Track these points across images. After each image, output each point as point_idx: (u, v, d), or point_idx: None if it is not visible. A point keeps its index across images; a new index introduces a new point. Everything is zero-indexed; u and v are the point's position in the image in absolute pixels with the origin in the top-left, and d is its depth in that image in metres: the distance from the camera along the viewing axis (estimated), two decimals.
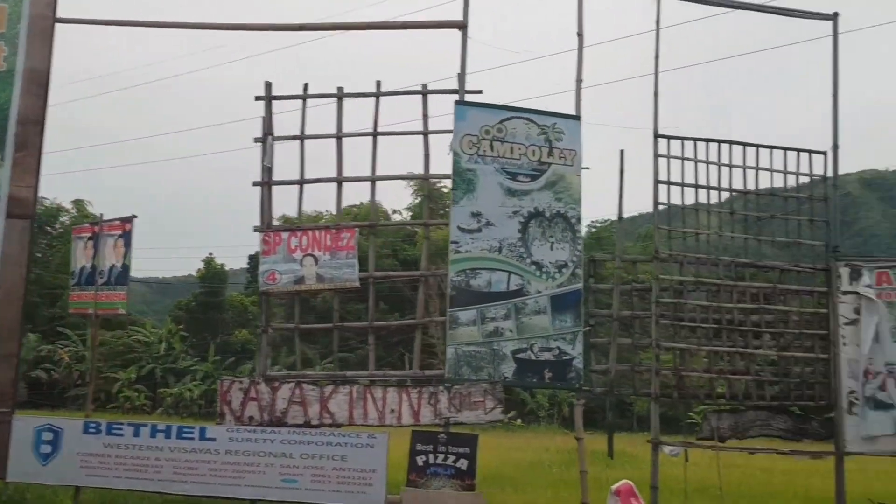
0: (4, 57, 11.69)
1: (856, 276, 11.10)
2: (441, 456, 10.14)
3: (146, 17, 12.35)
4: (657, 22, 11.53)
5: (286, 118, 11.76)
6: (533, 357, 10.50)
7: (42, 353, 42.84)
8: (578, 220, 10.95)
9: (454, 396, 10.36)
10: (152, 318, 61.29)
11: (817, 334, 11.24)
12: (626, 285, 11.50)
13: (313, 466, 10.21)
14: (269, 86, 11.52)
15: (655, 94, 11.36)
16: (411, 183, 43.97)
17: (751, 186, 11.57)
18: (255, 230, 11.26)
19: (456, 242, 10.64)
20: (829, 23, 11.80)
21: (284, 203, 11.65)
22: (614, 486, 7.32)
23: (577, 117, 11.11)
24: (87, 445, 10.93)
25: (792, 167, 11.59)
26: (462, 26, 11.10)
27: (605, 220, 52.59)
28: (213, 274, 53.28)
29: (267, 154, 11.31)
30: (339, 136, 11.39)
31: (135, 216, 12.85)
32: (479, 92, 11.08)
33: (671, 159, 11.28)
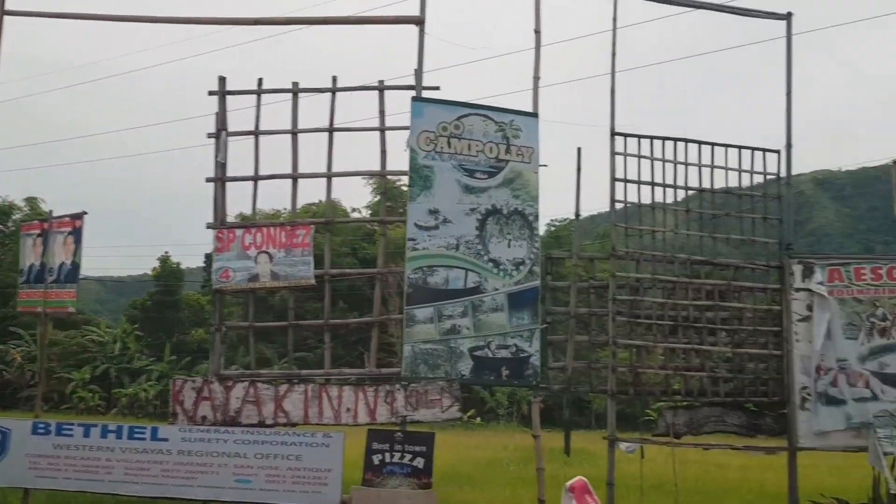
0: None
1: (808, 273, 11.24)
2: (397, 455, 10.06)
3: (101, 11, 12.04)
4: (614, 20, 11.58)
5: (244, 114, 11.62)
6: (490, 355, 10.46)
7: None
8: (536, 217, 10.92)
9: (411, 395, 10.29)
10: (107, 318, 60.40)
11: (771, 331, 11.35)
12: (583, 283, 11.52)
13: (267, 466, 10.10)
14: (222, 80, 11.36)
15: (612, 91, 11.39)
16: (370, 181, 43.77)
17: (707, 185, 11.65)
18: (209, 227, 11.09)
19: (413, 240, 10.56)
20: (784, 22, 11.94)
21: (242, 200, 11.49)
22: (568, 483, 7.31)
23: (534, 114, 11.10)
24: (35, 446, 10.74)
25: (747, 166, 11.70)
26: (419, 22, 11.04)
27: (565, 219, 52.90)
28: (168, 272, 52.62)
29: (220, 150, 11.15)
30: (294, 132, 11.26)
31: (85, 213, 12.54)
32: (437, 88, 11.02)
33: (628, 157, 11.32)
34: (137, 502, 10.87)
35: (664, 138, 11.43)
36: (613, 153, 11.28)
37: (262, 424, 10.42)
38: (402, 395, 10.29)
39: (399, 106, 11.02)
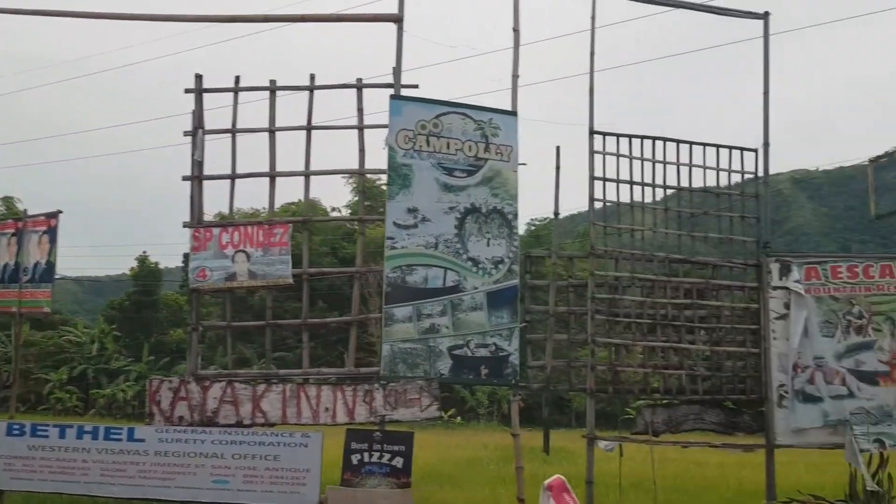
0: None
1: (785, 271, 11.30)
2: (376, 454, 10.01)
3: (72, 7, 11.89)
4: (592, 19, 11.62)
5: (223, 113, 11.53)
6: (469, 353, 10.43)
7: None
8: (515, 216, 10.90)
9: (390, 394, 10.25)
10: (85, 318, 59.96)
11: (749, 329, 11.41)
12: (562, 282, 11.53)
13: (245, 467, 10.04)
14: (199, 78, 11.26)
15: (591, 90, 11.43)
16: (350, 180, 43.64)
17: (685, 183, 11.69)
18: (185, 226, 10.99)
19: (392, 238, 10.51)
20: (761, 22, 12.00)
21: (222, 200, 11.40)
22: (546, 482, 7.29)
23: (513, 113, 11.08)
24: (10, 447, 10.64)
25: (725, 165, 11.76)
26: (398, 20, 10.99)
27: (545, 219, 52.92)
28: (147, 272, 52.22)
29: (197, 148, 11.06)
30: (271, 130, 11.17)
31: (60, 211, 12.43)
32: (416, 87, 10.98)
33: (607, 156, 11.35)
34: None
35: (643, 137, 11.47)
36: (592, 152, 11.31)
37: (239, 425, 10.35)
38: (381, 394, 10.25)
39: (379, 104, 10.99)
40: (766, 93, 11.86)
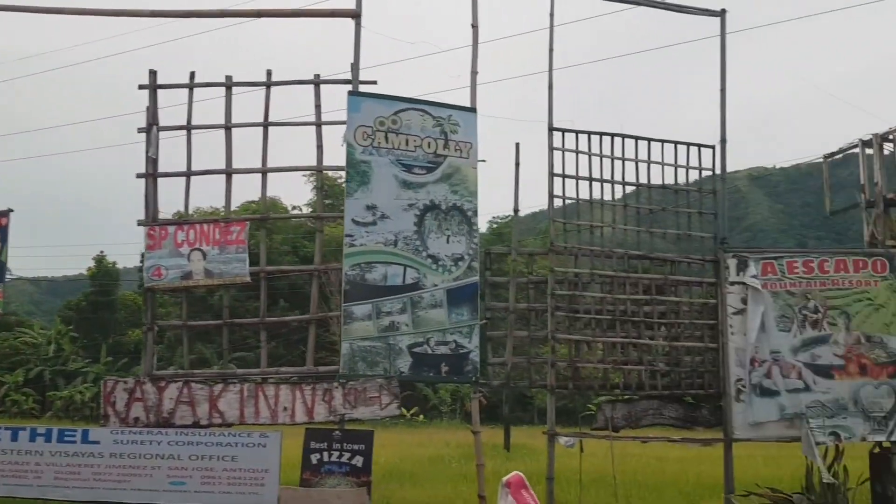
0: None
1: (743, 266, 11.39)
2: (336, 453, 9.94)
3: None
4: (551, 17, 11.61)
5: (179, 110, 11.34)
6: (429, 351, 10.38)
7: None
8: (475, 212, 10.88)
9: (349, 392, 10.17)
10: (41, 319, 59.07)
11: (707, 324, 11.48)
12: (522, 279, 11.52)
13: (203, 468, 9.92)
14: (153, 74, 11.09)
15: (550, 87, 11.43)
16: (310, 178, 43.39)
17: (644, 180, 11.74)
18: (140, 224, 10.81)
19: (351, 236, 10.42)
20: (718, 19, 12.08)
21: (181, 199, 11.24)
22: (505, 478, 7.27)
23: (472, 109, 11.06)
24: None
25: (683, 161, 11.82)
26: (355, 16, 10.91)
27: (507, 216, 53.06)
28: (104, 272, 51.49)
29: (152, 145, 10.88)
30: (227, 127, 11.02)
31: (11, 210, 12.16)
32: (374, 83, 10.89)
33: (567, 153, 11.36)
34: None
35: (601, 133, 11.49)
36: (552, 148, 11.32)
37: (196, 425, 10.21)
38: (341, 393, 10.17)
39: (339, 101, 10.91)
40: (723, 90, 11.95)
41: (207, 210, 36.81)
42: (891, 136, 12.31)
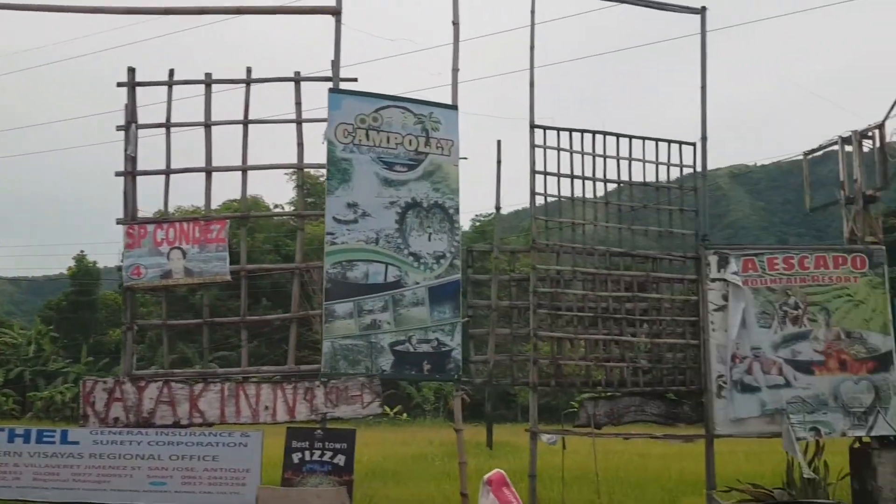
0: None
1: (723, 263, 11.43)
2: (318, 452, 9.89)
3: None
4: (532, 14, 11.64)
5: (161, 108, 11.24)
6: (411, 349, 10.36)
7: None
8: (456, 210, 10.85)
9: (331, 391, 10.13)
10: (21, 319, 58.69)
11: (688, 321, 11.52)
12: (504, 276, 11.51)
13: (183, 468, 9.85)
14: (132, 72, 11.00)
15: (531, 84, 11.43)
16: (293, 177, 43.24)
17: (625, 177, 11.76)
18: (119, 223, 10.72)
19: (332, 234, 10.38)
20: (699, 17, 12.11)
21: (161, 198, 11.14)
22: (486, 476, 7.24)
23: (454, 107, 11.04)
24: None
25: (664, 158, 11.85)
26: (336, 12, 10.86)
27: (489, 214, 53.17)
28: (84, 272, 51.16)
29: (130, 143, 10.79)
30: (207, 125, 10.94)
31: None
32: (355, 80, 10.86)
33: (550, 150, 11.37)
34: None
35: (583, 131, 11.50)
36: (533, 146, 11.33)
37: (176, 425, 10.13)
38: (322, 391, 10.12)
39: (321, 99, 10.83)
40: (703, 87, 11.98)
41: (189, 209, 36.69)
42: (870, 133, 12.36)
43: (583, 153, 11.48)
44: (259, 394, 10.17)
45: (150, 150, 11.08)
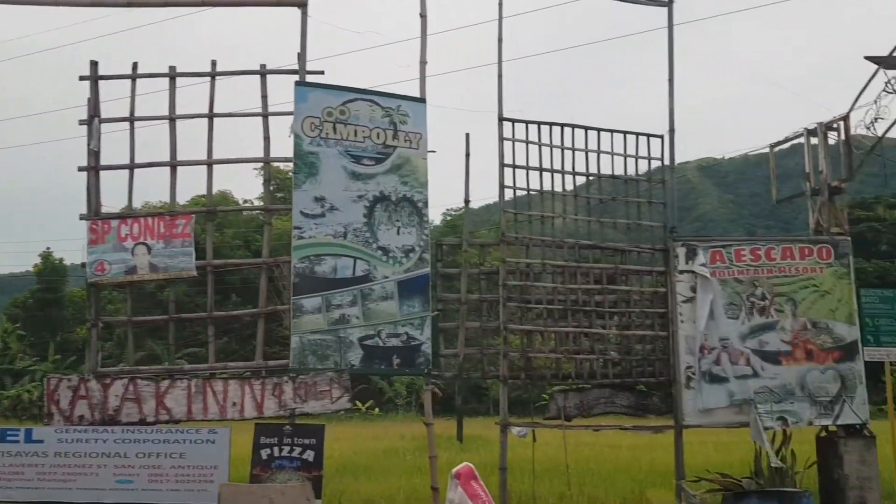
0: None
1: (691, 255, 11.49)
2: (286, 448, 9.80)
3: None
4: (500, 7, 11.64)
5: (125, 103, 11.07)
6: (381, 343, 10.29)
7: None
8: (425, 203, 10.79)
9: (299, 386, 10.04)
10: None
11: (657, 313, 11.57)
12: (474, 270, 11.50)
13: (150, 465, 9.70)
14: (94, 65, 10.80)
15: (499, 77, 11.43)
16: (261, 172, 42.94)
17: (594, 170, 11.78)
18: (82, 218, 10.54)
19: (299, 228, 10.28)
20: (665, 10, 12.15)
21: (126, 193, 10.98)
22: (454, 470, 7.21)
23: (422, 100, 10.97)
24: None
25: (633, 151, 11.88)
26: (302, 4, 10.73)
27: (461, 208, 53.19)
28: (51, 269, 50.53)
29: (93, 137, 10.61)
30: (171, 119, 10.77)
31: None
32: (321, 73, 10.74)
33: (517, 143, 11.36)
34: None
35: (551, 124, 11.50)
36: (502, 139, 11.31)
37: (143, 423, 9.99)
38: (291, 387, 10.03)
39: (288, 93, 10.70)
40: (670, 80, 12.04)
41: (157, 204, 36.34)
42: (835, 126, 12.48)
43: (551, 146, 11.49)
44: (227, 390, 10.05)
45: (121, 146, 10.94)
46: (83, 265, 10.68)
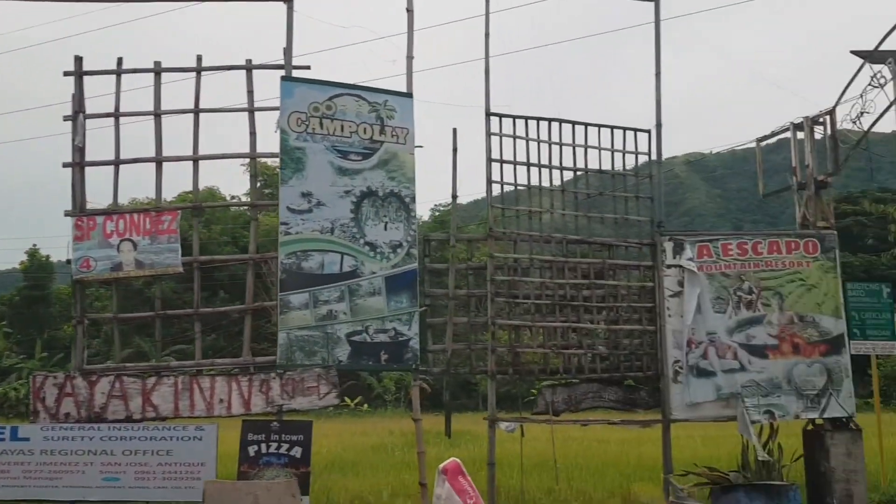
0: None
1: (679, 249, 11.51)
2: (274, 445, 9.78)
3: None
4: (486, 2, 11.59)
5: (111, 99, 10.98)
6: (368, 339, 10.27)
7: None
8: (413, 199, 10.77)
9: (287, 383, 10.01)
10: None
11: (645, 307, 11.59)
12: (462, 265, 11.49)
13: (136, 463, 9.67)
14: (79, 60, 10.72)
15: (486, 72, 11.41)
16: (248, 168, 42.80)
17: (581, 165, 11.78)
18: (67, 214, 10.47)
19: (286, 224, 10.24)
20: (652, 4, 12.15)
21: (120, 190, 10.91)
22: (441, 465, 7.21)
23: (409, 95, 10.94)
24: None
25: (620, 146, 11.89)
26: None
27: (448, 204, 53.18)
28: (37, 266, 50.25)
29: (78, 133, 10.54)
30: (156, 114, 10.71)
31: None
32: (307, 68, 10.70)
33: (504, 138, 11.35)
34: None
35: (539, 119, 11.49)
36: (489, 133, 11.30)
37: (129, 420, 9.94)
38: (278, 383, 10.00)
39: (275, 89, 10.64)
40: (657, 74, 12.04)
41: (144, 201, 36.17)
42: (821, 120, 12.52)
43: (539, 141, 11.49)
44: (213, 386, 10.01)
45: (107, 142, 10.86)
46: (69, 262, 10.58)
